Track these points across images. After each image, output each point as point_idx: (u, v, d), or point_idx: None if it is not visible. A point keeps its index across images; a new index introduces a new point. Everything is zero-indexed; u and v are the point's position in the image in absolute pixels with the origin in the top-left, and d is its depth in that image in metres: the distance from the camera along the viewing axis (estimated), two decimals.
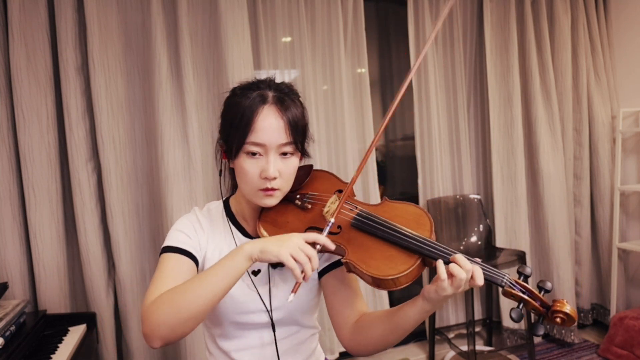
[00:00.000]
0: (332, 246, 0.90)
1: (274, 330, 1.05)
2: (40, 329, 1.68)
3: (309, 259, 0.84)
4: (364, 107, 2.56)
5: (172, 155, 2.06)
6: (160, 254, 1.01)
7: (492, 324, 2.84)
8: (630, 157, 2.90)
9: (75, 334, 1.68)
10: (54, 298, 1.94)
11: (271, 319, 1.04)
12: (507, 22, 2.73)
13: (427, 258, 0.88)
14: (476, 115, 2.89)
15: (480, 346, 2.81)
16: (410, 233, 0.90)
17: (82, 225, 1.97)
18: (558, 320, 0.83)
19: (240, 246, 0.87)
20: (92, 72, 1.96)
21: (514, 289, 0.84)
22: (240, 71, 2.15)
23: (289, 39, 2.42)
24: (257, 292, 1.03)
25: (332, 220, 0.93)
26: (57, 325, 1.73)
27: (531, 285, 0.86)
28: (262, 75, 2.35)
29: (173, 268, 0.96)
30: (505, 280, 0.86)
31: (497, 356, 2.73)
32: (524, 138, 2.78)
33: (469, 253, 2.58)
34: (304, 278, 0.84)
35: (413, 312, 0.90)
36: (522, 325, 2.72)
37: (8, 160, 1.90)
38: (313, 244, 0.88)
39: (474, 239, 2.70)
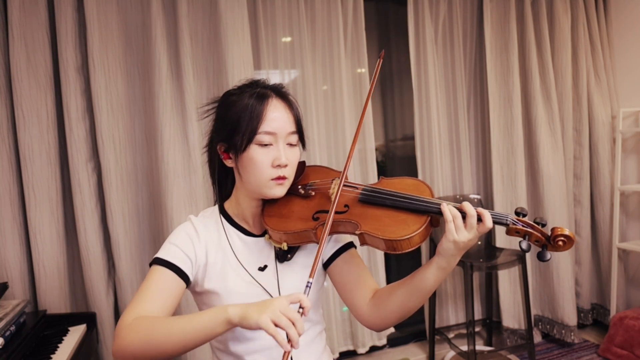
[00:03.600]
0: (309, 308, 0.84)
1: None
2: (40, 329, 1.68)
3: (293, 322, 0.79)
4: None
5: (172, 155, 2.06)
6: (151, 264, 1.02)
7: (492, 324, 2.84)
8: (630, 157, 2.90)
9: (75, 334, 1.68)
10: (54, 298, 1.94)
11: None
12: (507, 22, 2.73)
13: (435, 216, 0.96)
14: (476, 115, 2.89)
15: (480, 346, 2.81)
16: (416, 196, 0.98)
17: (82, 225, 1.97)
18: (560, 243, 0.92)
19: (225, 307, 0.85)
20: (92, 72, 1.96)
21: (517, 225, 0.94)
22: (240, 71, 2.15)
23: (289, 39, 2.42)
24: (263, 287, 1.04)
25: (337, 199, 0.97)
26: (57, 325, 1.73)
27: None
28: (262, 75, 2.36)
29: (158, 284, 0.98)
30: (508, 219, 0.94)
31: (497, 356, 2.73)
32: (524, 138, 2.78)
33: (469, 253, 2.59)
34: (290, 345, 0.78)
35: (430, 272, 0.97)
36: (522, 325, 2.72)
37: (8, 160, 1.90)
38: (298, 309, 0.83)
39: None
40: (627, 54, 2.91)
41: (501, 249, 2.63)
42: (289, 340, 0.78)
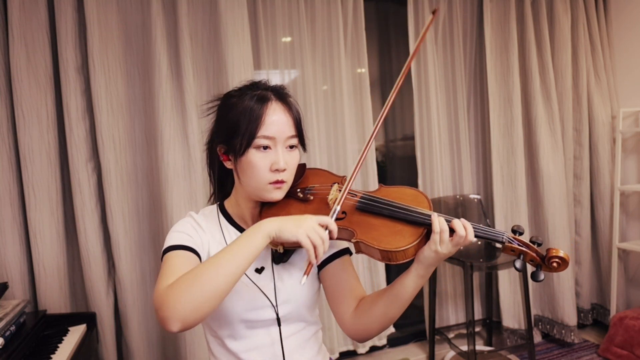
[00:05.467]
0: (336, 232, 0.93)
1: (279, 325, 1.05)
2: (40, 329, 1.68)
3: (322, 241, 0.88)
4: (364, 107, 2.56)
5: (172, 155, 2.06)
6: (163, 255, 1.00)
7: (492, 324, 2.84)
8: (630, 157, 2.90)
9: (75, 334, 1.68)
10: (54, 298, 1.94)
11: (277, 314, 1.05)
12: (507, 22, 2.73)
13: (431, 228, 0.96)
14: (476, 115, 2.89)
15: (480, 346, 2.81)
16: (414, 208, 0.99)
17: (82, 225, 1.97)
18: (554, 264, 0.93)
19: (259, 224, 0.89)
20: (92, 72, 1.96)
21: (512, 244, 0.95)
22: (240, 71, 2.15)
23: (289, 39, 2.42)
24: (260, 290, 1.04)
25: (338, 207, 0.97)
26: (57, 325, 1.73)
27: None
28: (262, 75, 2.35)
29: (179, 262, 0.95)
30: (504, 237, 0.96)
31: (497, 356, 2.73)
32: (524, 138, 2.78)
33: (469, 253, 2.59)
34: (316, 259, 0.87)
35: (409, 280, 0.99)
36: (522, 325, 2.72)
37: (8, 160, 1.90)
38: (325, 227, 0.91)
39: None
40: (627, 54, 2.90)
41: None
42: (315, 256, 0.87)
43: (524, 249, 0.95)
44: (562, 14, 2.78)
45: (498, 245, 0.97)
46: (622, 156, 2.87)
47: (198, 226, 1.06)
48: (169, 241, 1.01)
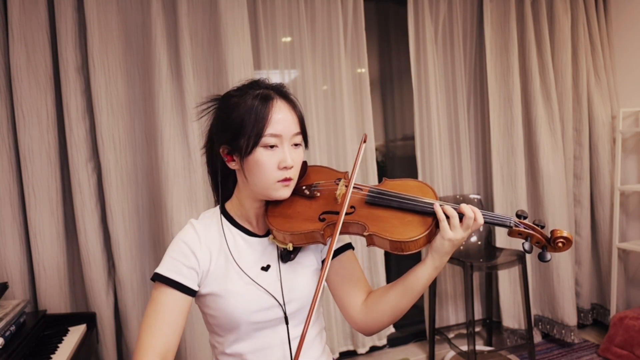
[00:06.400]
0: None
1: (287, 323, 1.05)
2: (40, 329, 1.68)
3: None
4: (364, 107, 2.56)
5: (172, 155, 2.06)
6: (154, 279, 1.01)
7: (492, 324, 2.84)
8: (630, 157, 2.90)
9: (75, 334, 1.68)
10: (54, 298, 1.94)
11: (284, 312, 1.05)
12: (507, 22, 2.73)
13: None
14: (476, 115, 2.89)
15: (480, 346, 2.81)
16: (422, 198, 1.01)
17: (82, 225, 1.97)
18: (560, 244, 0.98)
19: None
20: (92, 72, 1.96)
21: (519, 227, 0.99)
22: (240, 71, 2.15)
23: (289, 39, 2.42)
24: (264, 289, 1.03)
25: (347, 201, 0.99)
26: (57, 325, 1.74)
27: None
28: (262, 75, 2.35)
29: (165, 308, 0.98)
30: (512, 221, 0.99)
31: (497, 356, 2.73)
32: (524, 138, 2.78)
33: (469, 253, 2.59)
34: None
35: (423, 271, 1.00)
36: (522, 325, 2.72)
37: (8, 160, 1.90)
38: None
39: (474, 239, 2.70)
40: (627, 54, 2.91)
41: (501, 249, 2.63)
42: None
43: (530, 231, 0.99)
44: (562, 14, 2.78)
45: (505, 229, 1.01)
46: (622, 156, 2.87)
47: (196, 239, 1.05)
48: (162, 266, 1.02)
